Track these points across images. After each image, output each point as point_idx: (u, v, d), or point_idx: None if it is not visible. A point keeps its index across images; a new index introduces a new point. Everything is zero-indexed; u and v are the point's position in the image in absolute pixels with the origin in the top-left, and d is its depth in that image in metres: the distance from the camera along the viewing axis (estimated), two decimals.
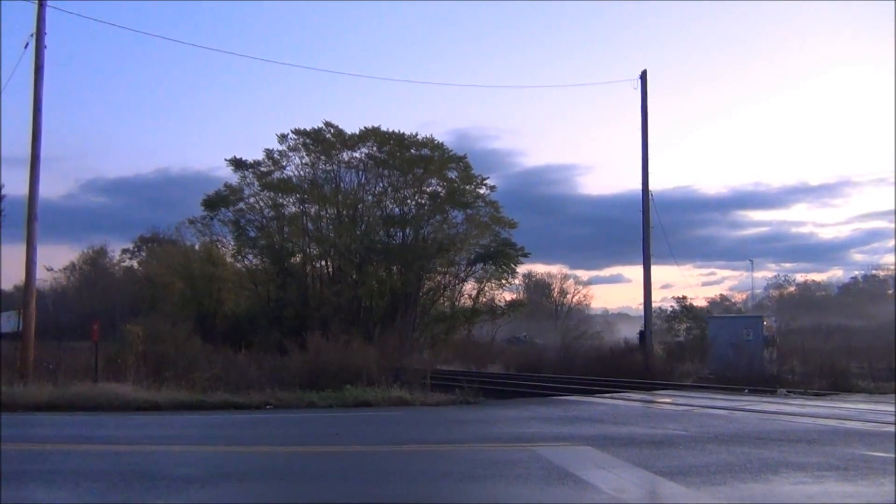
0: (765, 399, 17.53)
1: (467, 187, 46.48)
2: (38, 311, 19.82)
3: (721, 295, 67.78)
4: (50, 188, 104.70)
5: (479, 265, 47.20)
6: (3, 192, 32.68)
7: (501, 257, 46.40)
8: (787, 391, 19.41)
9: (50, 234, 78.14)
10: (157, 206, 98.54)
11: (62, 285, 66.07)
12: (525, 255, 47.66)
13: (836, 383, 20.93)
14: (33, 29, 19.17)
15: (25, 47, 19.23)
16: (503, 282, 49.14)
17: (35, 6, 19.24)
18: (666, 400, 17.49)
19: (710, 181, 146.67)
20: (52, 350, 23.16)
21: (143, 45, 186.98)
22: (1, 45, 63.24)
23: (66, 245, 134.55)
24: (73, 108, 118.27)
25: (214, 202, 46.74)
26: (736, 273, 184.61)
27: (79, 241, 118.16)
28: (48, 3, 19.29)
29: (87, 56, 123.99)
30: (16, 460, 8.19)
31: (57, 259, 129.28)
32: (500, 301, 49.93)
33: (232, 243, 48.05)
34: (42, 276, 57.02)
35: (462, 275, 47.93)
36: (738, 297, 68.34)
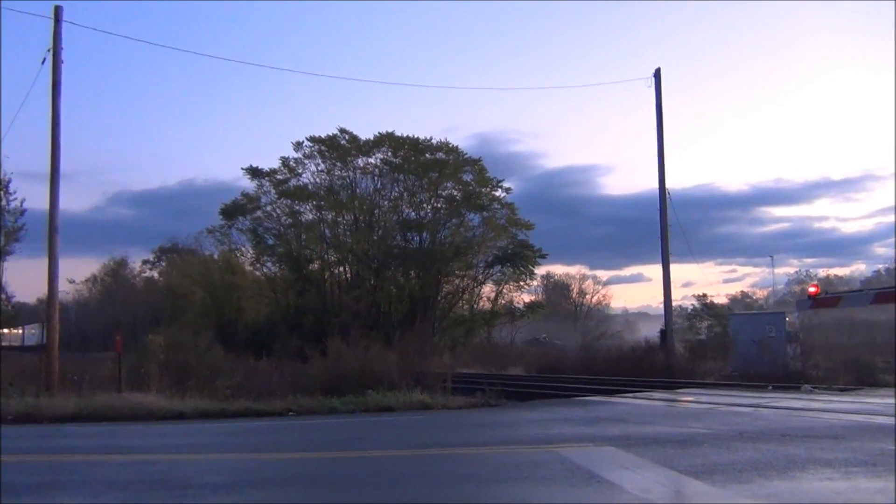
0: (789, 395, 17.34)
1: (483, 190, 46.53)
2: (61, 324, 19.99)
3: (742, 292, 67.21)
4: (77, 202, 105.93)
5: (497, 267, 47.22)
6: (25, 205, 33.16)
7: (519, 259, 46.36)
8: (812, 387, 19.20)
9: (77, 247, 79.21)
10: (182, 217, 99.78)
11: (85, 297, 66.81)
12: (542, 257, 47.61)
13: (861, 378, 20.67)
14: (50, 44, 19.39)
15: (43, 63, 19.47)
16: (521, 283, 49.14)
17: (51, 22, 19.47)
18: (689, 398, 17.36)
19: (732, 178, 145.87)
20: (76, 362, 23.41)
21: (165, 59, 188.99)
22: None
23: (93, 257, 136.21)
24: (101, 123, 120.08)
25: (232, 211, 47.11)
26: (757, 269, 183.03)
27: (105, 254, 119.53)
28: (65, 18, 19.51)
29: (116, 72, 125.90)
30: (44, 471, 8.28)
31: (84, 271, 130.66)
32: (518, 303, 49.95)
33: (250, 251, 48.49)
34: (65, 289, 57.74)
35: (480, 277, 47.98)
36: (760, 294, 67.60)
